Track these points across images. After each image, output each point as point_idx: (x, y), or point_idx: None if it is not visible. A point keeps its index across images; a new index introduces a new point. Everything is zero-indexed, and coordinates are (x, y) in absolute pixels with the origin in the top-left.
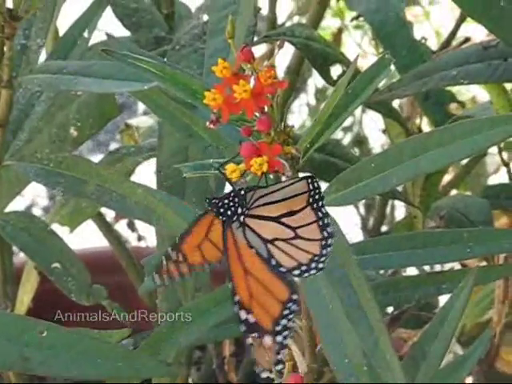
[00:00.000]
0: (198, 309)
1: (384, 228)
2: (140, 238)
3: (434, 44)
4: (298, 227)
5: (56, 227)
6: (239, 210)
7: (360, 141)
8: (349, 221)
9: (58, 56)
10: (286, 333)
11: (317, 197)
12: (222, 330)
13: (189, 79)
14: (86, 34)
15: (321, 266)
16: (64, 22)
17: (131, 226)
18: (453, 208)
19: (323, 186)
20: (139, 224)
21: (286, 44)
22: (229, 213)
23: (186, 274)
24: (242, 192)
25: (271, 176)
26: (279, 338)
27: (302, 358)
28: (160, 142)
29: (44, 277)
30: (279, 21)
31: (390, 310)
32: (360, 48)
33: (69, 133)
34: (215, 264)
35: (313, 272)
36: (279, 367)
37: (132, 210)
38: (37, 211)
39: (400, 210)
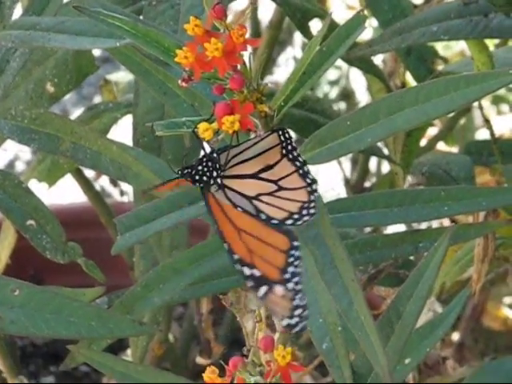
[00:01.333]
0: (174, 267)
1: (369, 183)
2: (122, 193)
3: None
4: (279, 179)
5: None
6: (214, 174)
7: (347, 95)
8: (335, 176)
9: (33, 12)
10: (296, 279)
11: (289, 147)
12: (197, 288)
13: (161, 36)
14: None
15: (312, 211)
16: None
17: (113, 182)
18: (434, 164)
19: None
20: None
21: None
22: (205, 178)
23: None
24: (215, 154)
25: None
26: (291, 285)
27: None
28: (136, 98)
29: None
30: None
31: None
32: (344, 2)
33: (46, 89)
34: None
35: (306, 218)
36: (298, 312)
37: (107, 167)
38: (20, 165)
39: (386, 164)
